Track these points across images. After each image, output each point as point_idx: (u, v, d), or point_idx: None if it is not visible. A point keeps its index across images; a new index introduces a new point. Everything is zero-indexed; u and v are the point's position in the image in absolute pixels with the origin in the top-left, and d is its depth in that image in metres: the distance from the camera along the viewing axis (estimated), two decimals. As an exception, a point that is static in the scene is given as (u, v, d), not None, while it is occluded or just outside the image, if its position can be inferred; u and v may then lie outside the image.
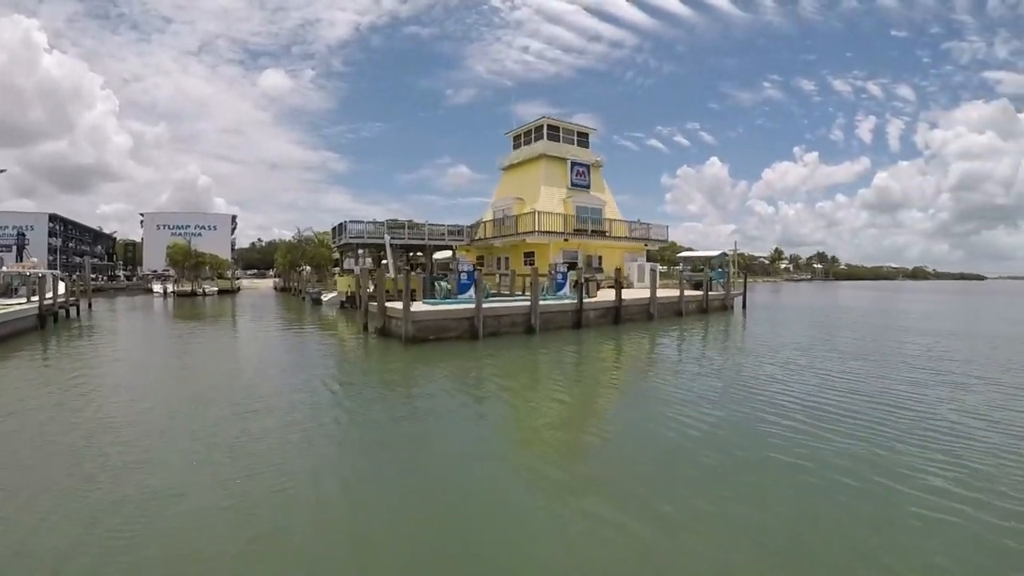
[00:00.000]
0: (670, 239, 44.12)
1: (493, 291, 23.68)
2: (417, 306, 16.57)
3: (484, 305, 16.93)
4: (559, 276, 21.83)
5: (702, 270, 31.11)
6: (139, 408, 8.63)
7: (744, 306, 29.60)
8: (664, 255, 60.82)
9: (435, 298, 19.16)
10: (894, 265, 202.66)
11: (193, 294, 50.44)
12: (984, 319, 27.63)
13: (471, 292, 19.10)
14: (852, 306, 38.36)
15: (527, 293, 23.13)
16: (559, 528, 4.69)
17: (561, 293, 21.51)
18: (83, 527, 4.56)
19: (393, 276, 20.00)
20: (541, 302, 18.41)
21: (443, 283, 19.50)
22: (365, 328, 19.26)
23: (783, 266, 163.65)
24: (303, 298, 42.47)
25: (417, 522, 4.74)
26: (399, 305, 16.89)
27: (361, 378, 11.84)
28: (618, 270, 21.99)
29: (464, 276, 19.16)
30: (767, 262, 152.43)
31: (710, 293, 26.97)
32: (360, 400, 9.58)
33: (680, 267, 32.99)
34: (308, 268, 55.35)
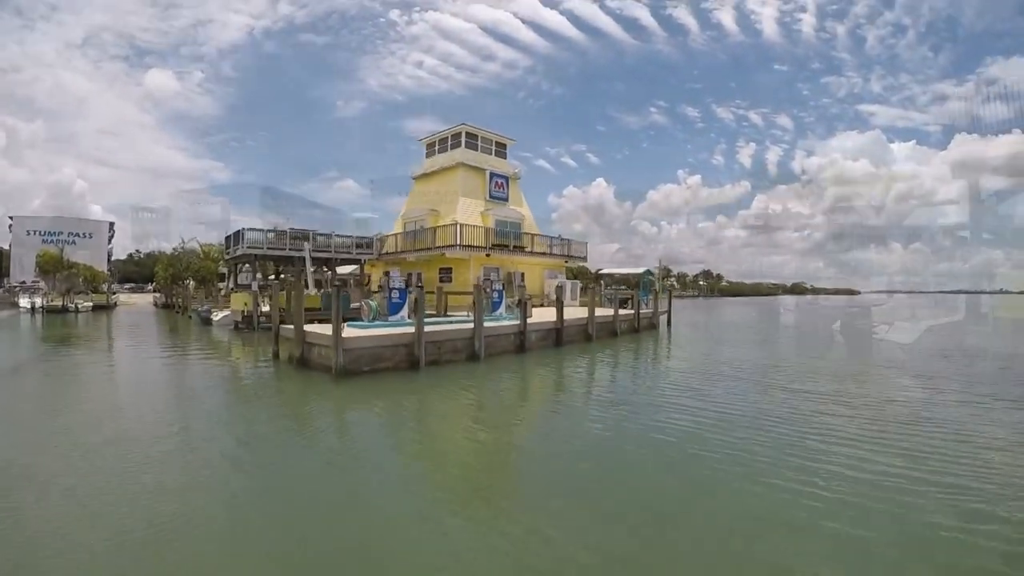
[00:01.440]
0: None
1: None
2: (346, 331, 14.18)
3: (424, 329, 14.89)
4: (495, 294, 20.24)
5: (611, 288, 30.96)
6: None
7: (669, 324, 29.77)
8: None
9: (361, 320, 16.75)
10: (773, 281, 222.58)
11: (65, 310, 44.11)
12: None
13: (402, 313, 16.97)
14: (760, 322, 40.41)
15: (451, 315, 21.28)
16: None
17: (497, 313, 19.92)
18: None
19: (312, 293, 17.35)
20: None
21: (372, 302, 17.14)
22: (275, 356, 16.38)
23: (669, 283, 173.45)
24: (189, 316, 37.28)
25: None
26: (322, 329, 14.43)
27: (298, 436, 8.80)
28: (559, 288, 20.84)
29: (396, 294, 16.97)
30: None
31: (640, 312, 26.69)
32: (312, 480, 7.30)
33: (603, 284, 32.75)
34: (192, 283, 49.69)
